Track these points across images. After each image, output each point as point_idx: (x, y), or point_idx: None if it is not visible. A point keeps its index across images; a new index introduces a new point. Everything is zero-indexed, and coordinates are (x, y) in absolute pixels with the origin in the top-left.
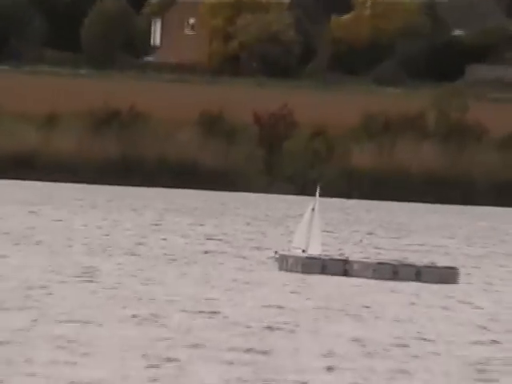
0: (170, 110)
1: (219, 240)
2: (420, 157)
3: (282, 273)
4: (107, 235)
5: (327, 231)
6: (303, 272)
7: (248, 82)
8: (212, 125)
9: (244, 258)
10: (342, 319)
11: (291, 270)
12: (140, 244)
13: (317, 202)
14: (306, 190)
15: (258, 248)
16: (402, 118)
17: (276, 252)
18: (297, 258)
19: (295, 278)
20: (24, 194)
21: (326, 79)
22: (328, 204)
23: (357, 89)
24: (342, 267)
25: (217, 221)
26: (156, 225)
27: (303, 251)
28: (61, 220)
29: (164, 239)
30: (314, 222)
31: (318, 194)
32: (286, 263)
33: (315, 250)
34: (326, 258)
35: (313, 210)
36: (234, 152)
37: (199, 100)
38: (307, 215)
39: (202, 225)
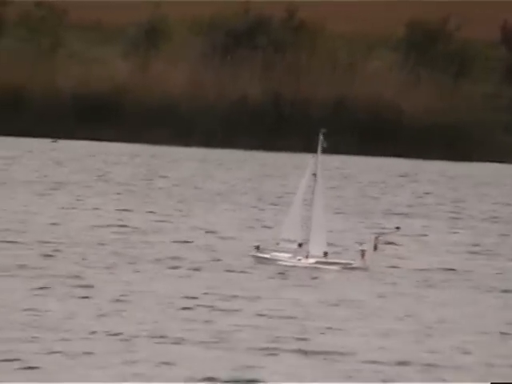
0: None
1: None
2: None
3: None
4: None
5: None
6: None
7: None
8: (424, 44)
9: None
10: None
11: None
12: None
13: (318, 162)
14: None
15: None
16: None
17: (258, 247)
18: None
19: None
20: None
21: None
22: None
23: None
24: None
25: None
26: None
27: (299, 245)
28: None
29: None
30: (315, 198)
31: (320, 147)
32: None
33: (318, 245)
34: None
35: (314, 176)
36: (462, 92)
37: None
38: (303, 186)
39: None
